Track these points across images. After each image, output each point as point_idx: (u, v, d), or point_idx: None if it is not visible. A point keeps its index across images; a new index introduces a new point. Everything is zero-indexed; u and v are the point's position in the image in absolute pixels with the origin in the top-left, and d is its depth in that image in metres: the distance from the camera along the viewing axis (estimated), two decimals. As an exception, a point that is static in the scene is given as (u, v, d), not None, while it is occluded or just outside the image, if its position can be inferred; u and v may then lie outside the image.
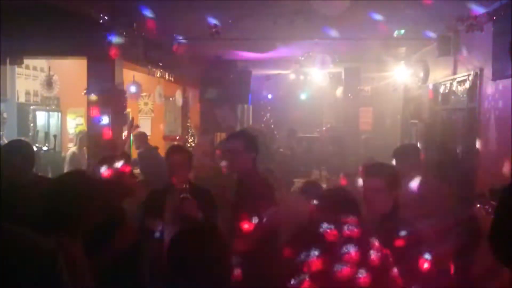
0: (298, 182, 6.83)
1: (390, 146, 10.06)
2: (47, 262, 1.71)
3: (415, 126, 8.69)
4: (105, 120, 5.57)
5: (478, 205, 4.61)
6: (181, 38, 6.87)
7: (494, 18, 4.80)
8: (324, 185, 5.45)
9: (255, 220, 3.13)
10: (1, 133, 7.41)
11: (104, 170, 3.18)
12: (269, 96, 14.50)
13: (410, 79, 8.78)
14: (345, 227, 2.00)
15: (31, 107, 8.56)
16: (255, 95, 12.59)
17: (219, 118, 10.27)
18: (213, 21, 5.69)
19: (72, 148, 7.71)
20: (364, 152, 10.45)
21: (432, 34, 6.65)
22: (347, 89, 10.93)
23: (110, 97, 5.52)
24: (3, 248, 1.65)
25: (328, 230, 1.99)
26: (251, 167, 3.47)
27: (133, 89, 6.95)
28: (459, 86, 6.21)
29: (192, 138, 9.25)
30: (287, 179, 6.35)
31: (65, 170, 7.45)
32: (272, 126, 13.61)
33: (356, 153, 10.26)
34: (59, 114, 9.08)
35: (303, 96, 13.86)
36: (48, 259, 1.72)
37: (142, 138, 7.32)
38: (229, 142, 3.67)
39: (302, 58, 8.64)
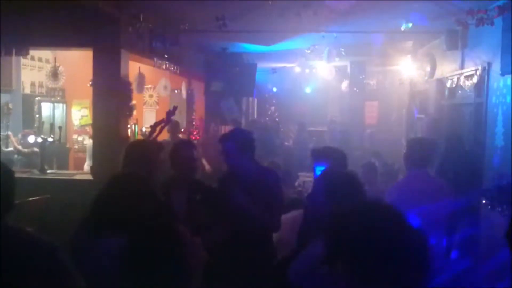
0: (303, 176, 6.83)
1: (395, 140, 10.10)
2: (47, 259, 1.83)
3: (421, 120, 8.64)
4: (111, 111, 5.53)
5: (484, 201, 4.59)
6: (187, 30, 6.84)
7: (504, 12, 4.74)
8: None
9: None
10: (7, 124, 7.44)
11: None
12: (274, 89, 14.45)
13: (416, 73, 8.72)
14: None
15: (36, 98, 8.57)
16: (260, 88, 12.55)
17: (224, 111, 10.25)
18: (219, 13, 5.67)
19: None
20: (369, 146, 10.42)
21: (439, 28, 6.59)
22: (352, 83, 10.90)
23: (116, 88, 5.49)
24: (6, 245, 1.71)
25: None
26: (247, 166, 3.34)
27: (138, 81, 6.94)
28: (466, 81, 6.15)
29: (197, 131, 9.23)
30: (292, 173, 6.34)
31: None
32: (277, 119, 13.56)
33: (361, 147, 10.23)
34: (64, 105, 9.09)
35: (308, 90, 13.81)
36: (48, 256, 1.84)
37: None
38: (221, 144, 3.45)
39: (308, 51, 8.60)
